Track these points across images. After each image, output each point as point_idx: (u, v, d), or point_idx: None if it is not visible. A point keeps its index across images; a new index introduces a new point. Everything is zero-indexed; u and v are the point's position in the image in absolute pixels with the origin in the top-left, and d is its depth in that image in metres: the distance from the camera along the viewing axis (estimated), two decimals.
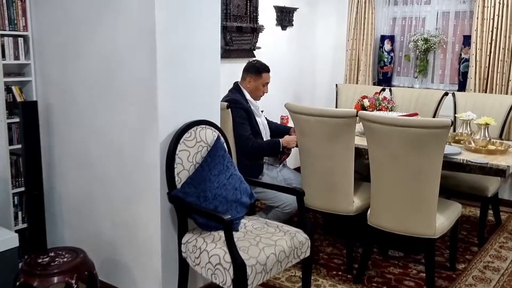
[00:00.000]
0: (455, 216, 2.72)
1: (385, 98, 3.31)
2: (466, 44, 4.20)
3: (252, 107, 3.09)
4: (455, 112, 3.78)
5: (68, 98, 2.62)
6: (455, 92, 3.84)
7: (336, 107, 4.38)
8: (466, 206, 3.87)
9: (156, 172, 2.28)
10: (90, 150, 2.57)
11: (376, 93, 3.37)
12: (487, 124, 2.88)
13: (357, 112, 2.58)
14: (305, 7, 4.78)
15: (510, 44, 3.87)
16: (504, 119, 3.54)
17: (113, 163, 2.47)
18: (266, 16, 4.34)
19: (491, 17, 3.91)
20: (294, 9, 4.64)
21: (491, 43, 3.94)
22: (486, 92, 4.01)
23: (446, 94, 3.84)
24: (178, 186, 2.24)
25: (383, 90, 4.17)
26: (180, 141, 2.26)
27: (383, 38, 4.72)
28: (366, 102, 3.26)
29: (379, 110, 3.21)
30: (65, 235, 2.83)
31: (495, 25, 3.90)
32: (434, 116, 3.84)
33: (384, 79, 4.76)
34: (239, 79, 3.22)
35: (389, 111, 3.21)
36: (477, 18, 3.97)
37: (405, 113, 3.08)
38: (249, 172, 3.00)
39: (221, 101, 3.03)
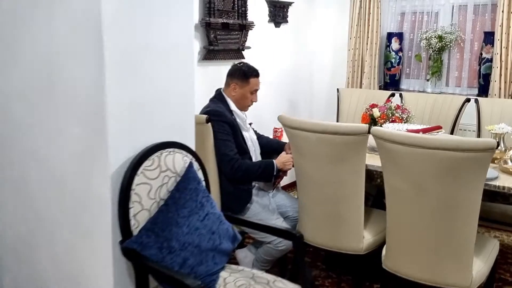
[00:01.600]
0: (493, 257, 2.18)
1: (398, 106, 2.78)
2: (488, 42, 3.68)
3: (238, 120, 2.54)
4: (479, 123, 3.25)
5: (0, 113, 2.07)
6: (479, 98, 3.31)
7: (337, 116, 3.84)
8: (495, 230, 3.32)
9: (106, 212, 1.72)
10: (29, 178, 2.01)
11: (387, 100, 2.83)
12: None
13: (368, 127, 2.04)
14: (301, 1, 4.24)
15: None
16: None
17: (55, 196, 1.91)
18: (257, 11, 3.80)
19: None
20: (289, 4, 4.10)
21: None
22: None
23: (468, 100, 3.31)
24: (135, 232, 1.69)
25: (392, 95, 3.64)
26: (138, 171, 1.71)
27: (390, 36, 4.19)
28: (376, 112, 2.72)
29: (392, 121, 2.68)
30: (4, 282, 2.27)
31: None
32: (454, 127, 3.31)
33: (391, 82, 4.23)
34: (218, 86, 2.68)
35: (403, 122, 2.67)
36: (502, 11, 3.44)
37: (425, 126, 2.55)
38: (235, 200, 2.46)
39: (200, 112, 2.49)
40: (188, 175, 1.82)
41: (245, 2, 3.55)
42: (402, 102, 3.55)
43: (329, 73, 4.52)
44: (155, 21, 1.81)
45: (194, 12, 3.19)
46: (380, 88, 4.22)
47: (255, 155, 2.62)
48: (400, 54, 4.17)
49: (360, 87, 4.20)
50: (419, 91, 4.11)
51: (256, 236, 2.49)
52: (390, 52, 4.16)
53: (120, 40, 1.69)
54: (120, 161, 1.73)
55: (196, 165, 1.91)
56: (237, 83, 2.53)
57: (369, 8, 4.09)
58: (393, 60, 4.17)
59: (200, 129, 2.22)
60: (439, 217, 1.93)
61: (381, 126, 2.62)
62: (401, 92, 3.62)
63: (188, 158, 1.89)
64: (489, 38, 3.66)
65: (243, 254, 2.58)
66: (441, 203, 1.91)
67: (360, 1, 4.12)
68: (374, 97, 3.64)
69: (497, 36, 3.48)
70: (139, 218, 1.70)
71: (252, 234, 2.50)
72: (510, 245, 3.17)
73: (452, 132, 3.31)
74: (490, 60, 3.63)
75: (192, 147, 1.98)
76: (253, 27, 3.63)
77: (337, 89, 3.95)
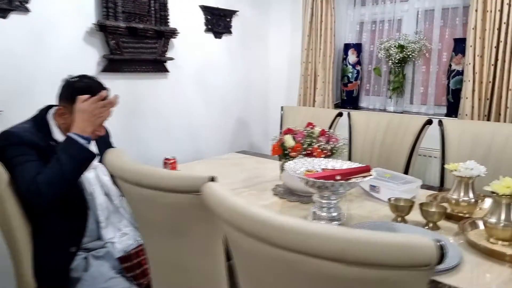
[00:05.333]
0: None
1: (323, 133, 1.60)
2: (459, 50, 2.45)
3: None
4: (443, 151, 2.03)
5: None
6: (444, 120, 2.09)
7: None
8: None
9: None
10: None
11: (308, 124, 1.65)
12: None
13: (210, 177, 0.88)
14: (248, 9, 3.09)
15: None
16: None
17: None
18: (189, 18, 2.68)
19: (498, 8, 2.15)
20: (232, 12, 2.96)
21: (497, 47, 2.18)
22: (488, 118, 2.25)
23: (430, 122, 2.10)
24: None
25: (339, 115, 2.46)
26: None
27: (347, 47, 3.00)
28: (289, 141, 1.56)
29: (309, 155, 1.50)
30: None
31: (504, 20, 2.14)
32: (410, 156, 2.10)
33: (349, 100, 3.03)
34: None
35: (325, 156, 1.49)
36: (476, 10, 2.21)
37: (354, 165, 1.36)
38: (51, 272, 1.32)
39: None
40: None
41: (165, 5, 2.43)
42: (349, 123, 2.37)
43: (285, 88, 3.35)
44: None
45: (88, 13, 2.12)
46: (337, 107, 3.03)
47: (108, 198, 1.48)
48: (359, 68, 2.98)
49: (313, 105, 3.02)
50: (380, 110, 2.91)
51: None
52: (347, 66, 2.98)
53: None
54: None
55: None
56: (65, 106, 1.38)
57: (321, 16, 2.92)
58: (350, 75, 2.97)
59: None
60: None
61: (291, 160, 1.45)
62: (350, 111, 2.43)
63: None
64: (459, 46, 2.44)
65: None
66: None
67: (312, 9, 2.95)
68: (319, 116, 2.47)
69: (469, 42, 2.26)
70: None
71: None
72: None
73: (409, 161, 2.11)
74: (461, 73, 2.41)
75: None
76: (176, 35, 2.51)
77: (281, 107, 2.79)
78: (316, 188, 1.25)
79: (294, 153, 1.51)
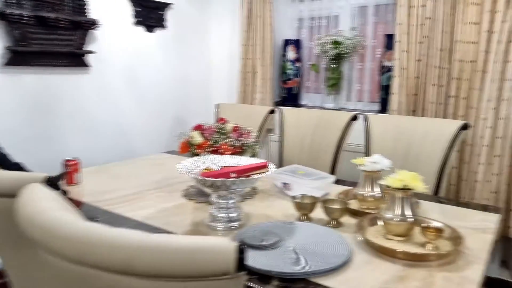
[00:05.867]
0: None
1: (236, 129, 1.53)
2: (389, 46, 2.46)
3: None
4: (367, 146, 2.02)
5: None
6: (369, 115, 2.07)
7: None
8: None
9: None
10: None
11: (220, 120, 1.58)
12: (407, 191, 1.10)
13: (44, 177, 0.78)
14: (184, 3, 2.99)
15: (450, 42, 2.13)
16: (443, 160, 1.78)
17: None
18: (114, 9, 2.55)
19: (421, 3, 2.16)
20: (165, 5, 2.85)
21: (421, 43, 2.19)
22: (415, 113, 2.26)
23: (355, 118, 2.08)
24: None
25: (272, 112, 2.40)
26: None
27: (286, 44, 2.96)
28: (196, 137, 1.47)
29: (215, 152, 1.43)
30: None
31: (427, 15, 2.15)
32: (337, 152, 2.07)
33: (289, 97, 2.99)
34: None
35: (234, 153, 1.41)
36: (401, 5, 2.22)
37: (255, 162, 1.29)
38: None
39: None
40: None
41: None
42: (281, 119, 2.32)
43: (226, 85, 3.27)
44: None
45: None
46: (277, 104, 2.98)
47: None
48: (298, 64, 2.95)
49: (253, 102, 2.96)
50: (320, 108, 2.89)
51: None
52: (287, 63, 2.94)
53: None
54: None
55: None
56: None
57: (259, 11, 2.86)
58: (290, 72, 2.94)
59: None
60: None
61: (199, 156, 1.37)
62: (281, 108, 2.38)
63: None
64: (389, 42, 2.45)
65: None
66: None
67: (249, 4, 2.89)
68: (252, 114, 2.41)
69: (397, 37, 2.26)
70: None
71: None
72: None
73: (336, 156, 2.08)
74: (391, 69, 2.42)
75: None
76: (97, 27, 2.37)
77: (215, 105, 2.70)
78: (210, 187, 1.17)
79: (200, 150, 1.43)
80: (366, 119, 2.03)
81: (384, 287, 0.92)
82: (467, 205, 1.50)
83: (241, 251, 0.47)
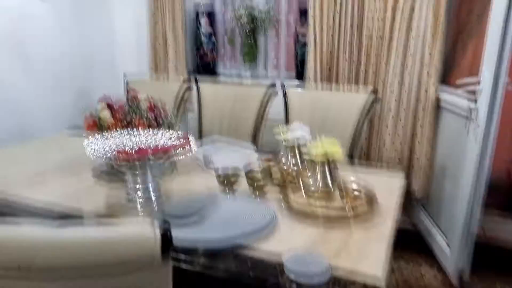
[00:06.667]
0: None
1: (151, 108, 1.44)
2: (304, 21, 2.52)
3: None
4: (287, 117, 2.07)
5: None
6: (287, 89, 2.11)
7: None
8: None
9: None
10: None
11: (133, 97, 1.47)
12: (327, 158, 1.15)
13: None
14: None
15: (360, 18, 2.25)
16: (354, 128, 1.89)
17: None
18: None
19: None
20: None
21: (334, 17, 2.28)
22: (329, 83, 2.36)
23: (273, 85, 2.10)
24: None
25: (188, 89, 2.32)
26: None
27: (199, 14, 2.85)
28: (104, 114, 1.35)
29: (129, 125, 1.33)
30: None
31: None
32: (258, 125, 2.09)
33: (204, 69, 2.92)
34: None
35: (149, 130, 1.34)
36: None
37: (171, 140, 1.23)
38: None
39: None
40: None
41: None
42: (198, 95, 2.25)
43: (136, 56, 3.06)
44: None
45: None
46: (191, 76, 2.88)
47: None
48: (213, 35, 2.87)
49: (166, 74, 2.83)
50: (238, 79, 2.87)
51: None
52: (200, 32, 2.84)
53: None
54: None
55: None
56: None
57: None
58: (204, 41, 2.85)
59: None
60: None
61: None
62: (199, 84, 2.31)
63: None
64: (304, 16, 2.50)
65: None
66: None
67: None
68: (166, 90, 2.30)
69: (310, 12, 2.32)
70: None
71: None
72: None
73: (256, 130, 2.10)
74: (306, 42, 2.48)
75: None
76: None
77: (126, 81, 2.52)
78: (126, 168, 1.09)
79: (113, 128, 1.32)
80: (284, 94, 2.07)
81: (309, 250, 0.95)
82: (377, 168, 1.63)
83: (166, 238, 0.43)
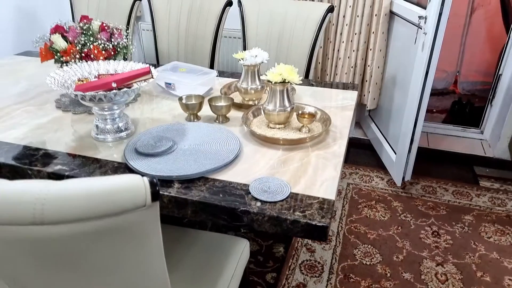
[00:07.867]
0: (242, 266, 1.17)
1: (104, 28, 1.39)
2: None
3: None
4: (244, 30, 2.06)
5: None
6: (242, 0, 2.06)
7: None
8: None
9: None
10: None
11: (83, 18, 1.40)
12: (285, 83, 1.22)
13: None
14: None
15: None
16: (313, 41, 1.94)
17: None
18: None
19: None
20: None
21: None
22: None
23: (230, 3, 2.05)
24: None
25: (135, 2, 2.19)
26: None
27: None
28: (58, 42, 1.31)
29: (87, 57, 1.31)
30: None
31: None
32: (215, 40, 2.07)
33: None
34: None
35: (107, 57, 1.32)
36: None
37: (138, 67, 1.24)
38: None
39: None
40: None
41: None
42: (151, 13, 2.15)
43: None
44: None
45: None
46: None
47: None
48: None
49: None
50: None
51: None
52: None
53: None
54: None
55: None
56: None
57: None
58: None
59: None
60: None
61: (66, 65, 1.24)
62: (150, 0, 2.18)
63: None
64: None
65: None
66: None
67: None
68: (115, 4, 2.16)
69: None
70: None
71: None
72: None
73: (214, 46, 2.09)
74: None
75: None
76: None
77: None
78: (90, 101, 1.12)
79: (68, 57, 1.29)
80: (240, 4, 2.02)
81: (270, 172, 1.08)
82: (331, 85, 1.73)
83: (154, 184, 0.52)
